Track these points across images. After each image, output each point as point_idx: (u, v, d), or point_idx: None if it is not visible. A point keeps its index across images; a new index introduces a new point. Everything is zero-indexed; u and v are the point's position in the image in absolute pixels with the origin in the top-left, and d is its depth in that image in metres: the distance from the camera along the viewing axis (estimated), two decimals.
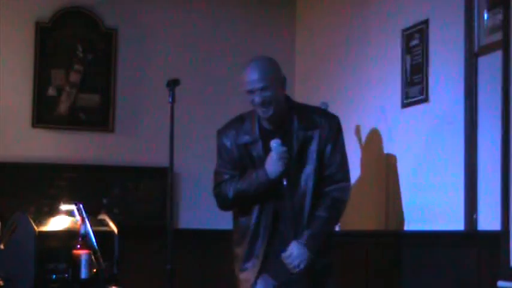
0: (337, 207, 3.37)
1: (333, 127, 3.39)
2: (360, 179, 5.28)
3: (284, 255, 3.28)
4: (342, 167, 3.40)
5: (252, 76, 3.28)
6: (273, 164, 3.26)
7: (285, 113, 3.34)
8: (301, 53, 6.34)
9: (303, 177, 3.33)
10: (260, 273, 3.33)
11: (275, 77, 3.31)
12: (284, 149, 3.26)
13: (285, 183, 3.28)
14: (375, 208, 5.15)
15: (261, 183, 3.29)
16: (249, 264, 3.35)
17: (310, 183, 3.32)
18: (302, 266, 3.26)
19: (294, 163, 3.31)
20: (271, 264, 3.34)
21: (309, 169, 3.33)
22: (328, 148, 3.36)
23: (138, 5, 6.17)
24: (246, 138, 3.37)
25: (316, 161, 3.33)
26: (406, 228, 4.87)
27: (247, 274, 3.35)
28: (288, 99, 3.41)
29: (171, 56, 6.11)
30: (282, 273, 3.31)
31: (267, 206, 3.34)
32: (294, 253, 3.26)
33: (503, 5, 4.00)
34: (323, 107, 4.81)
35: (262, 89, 3.26)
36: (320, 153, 3.34)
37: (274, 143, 3.26)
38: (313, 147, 3.34)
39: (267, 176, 3.27)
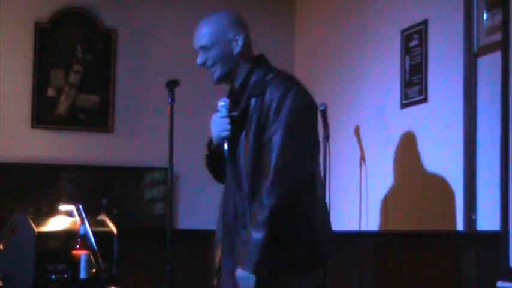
0: (261, 232, 2.74)
1: (282, 98, 2.80)
2: (360, 179, 5.28)
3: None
4: (276, 165, 2.75)
5: (195, 35, 3.03)
6: (215, 127, 2.91)
7: (242, 75, 2.95)
8: (300, 54, 6.34)
9: (241, 152, 2.87)
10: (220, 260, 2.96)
11: (220, 35, 2.97)
12: (225, 107, 2.89)
13: (225, 148, 2.87)
14: (375, 208, 5.14)
15: (207, 151, 2.96)
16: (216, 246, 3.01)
17: (247, 165, 2.83)
18: None
19: (236, 132, 2.88)
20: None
21: (248, 144, 2.84)
22: (270, 127, 2.80)
23: (137, 5, 6.17)
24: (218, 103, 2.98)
25: (254, 136, 2.83)
26: (405, 228, 4.86)
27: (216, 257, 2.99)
28: (259, 60, 3.00)
29: (170, 56, 6.10)
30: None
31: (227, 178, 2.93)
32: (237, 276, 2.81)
33: (502, 6, 4.00)
34: (321, 108, 4.81)
35: (202, 49, 3.00)
36: (258, 129, 2.82)
37: (221, 102, 2.93)
38: (253, 119, 2.85)
39: (211, 141, 2.93)
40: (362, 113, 5.35)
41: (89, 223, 3.33)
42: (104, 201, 5.87)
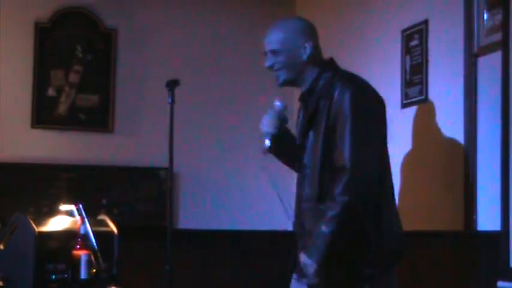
0: (333, 230, 2.83)
1: (346, 100, 2.90)
2: None
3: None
4: (352, 163, 2.81)
5: (265, 38, 3.09)
6: (265, 124, 3.08)
7: (311, 80, 3.06)
8: None
9: (309, 154, 2.98)
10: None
11: (290, 41, 3.06)
12: (278, 107, 3.06)
13: (266, 144, 3.04)
14: None
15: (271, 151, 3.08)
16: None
17: (317, 165, 2.93)
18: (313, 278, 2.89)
19: (301, 134, 3.04)
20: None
21: (318, 144, 2.94)
22: (339, 127, 2.88)
23: (137, 5, 6.18)
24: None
25: (323, 138, 2.92)
26: (406, 228, 4.86)
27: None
28: (327, 64, 3.13)
29: (170, 56, 6.11)
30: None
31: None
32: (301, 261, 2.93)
33: (502, 6, 4.00)
34: None
35: (271, 52, 3.06)
36: (328, 130, 2.91)
37: (277, 102, 3.11)
38: (321, 120, 2.95)
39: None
40: None
41: (89, 223, 3.32)
42: (104, 201, 5.87)
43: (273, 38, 3.08)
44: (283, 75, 3.07)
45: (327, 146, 2.90)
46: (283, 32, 3.09)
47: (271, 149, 3.08)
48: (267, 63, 3.09)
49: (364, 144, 2.87)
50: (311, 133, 2.98)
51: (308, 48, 3.09)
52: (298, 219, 3.06)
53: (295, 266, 3.07)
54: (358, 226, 2.86)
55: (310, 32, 3.17)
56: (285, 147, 3.14)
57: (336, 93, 2.93)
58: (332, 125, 2.89)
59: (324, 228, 2.82)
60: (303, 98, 3.11)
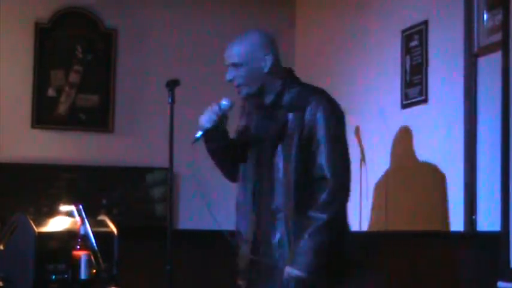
0: (318, 239, 2.99)
1: (321, 113, 3.06)
2: (360, 180, 5.28)
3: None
4: (333, 176, 3.00)
5: (226, 51, 3.19)
6: (204, 118, 3.17)
7: (274, 92, 3.15)
8: (300, 54, 6.34)
9: (280, 165, 3.09)
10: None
11: (250, 53, 3.13)
12: (224, 106, 3.12)
13: (197, 135, 3.17)
14: (375, 209, 5.14)
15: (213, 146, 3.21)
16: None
17: (291, 175, 3.05)
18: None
19: (267, 146, 3.13)
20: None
21: (290, 157, 3.07)
22: (315, 138, 3.04)
23: (137, 5, 6.17)
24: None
25: (297, 150, 3.05)
26: (406, 228, 4.86)
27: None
28: (288, 76, 3.21)
29: (170, 56, 6.11)
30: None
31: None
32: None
33: (502, 6, 4.00)
34: None
35: (232, 65, 3.15)
36: (301, 143, 3.05)
37: (224, 101, 3.16)
38: (294, 133, 3.06)
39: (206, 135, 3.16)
40: (362, 113, 5.35)
41: (89, 223, 3.33)
42: (104, 202, 5.87)
43: (234, 52, 3.16)
44: (245, 89, 3.16)
45: (301, 157, 3.04)
46: (244, 45, 3.16)
47: (197, 140, 3.21)
48: (228, 77, 3.17)
49: (341, 155, 3.07)
50: (280, 145, 3.08)
51: (268, 60, 3.15)
52: (257, 228, 3.15)
53: (250, 274, 3.17)
54: (340, 234, 3.08)
55: (270, 44, 3.21)
56: (219, 146, 3.24)
57: (310, 107, 3.06)
58: (307, 137, 3.04)
59: (309, 240, 2.97)
60: (266, 110, 3.17)
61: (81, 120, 5.96)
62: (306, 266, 2.96)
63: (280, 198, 3.08)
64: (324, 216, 2.97)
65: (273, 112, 3.14)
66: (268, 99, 3.16)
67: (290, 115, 3.08)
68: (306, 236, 2.98)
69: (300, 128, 3.05)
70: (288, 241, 3.06)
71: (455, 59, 4.43)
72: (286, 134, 3.07)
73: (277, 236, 3.08)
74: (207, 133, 3.18)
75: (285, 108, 3.11)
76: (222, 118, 3.16)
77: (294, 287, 2.99)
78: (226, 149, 3.24)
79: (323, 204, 2.98)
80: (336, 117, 3.12)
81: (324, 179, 3.00)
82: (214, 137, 3.20)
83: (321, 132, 3.03)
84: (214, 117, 3.14)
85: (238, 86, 3.16)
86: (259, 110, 3.21)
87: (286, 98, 3.12)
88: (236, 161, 3.28)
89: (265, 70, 3.13)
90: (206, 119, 3.16)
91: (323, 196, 2.99)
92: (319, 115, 3.05)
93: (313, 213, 2.99)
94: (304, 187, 3.04)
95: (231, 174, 3.34)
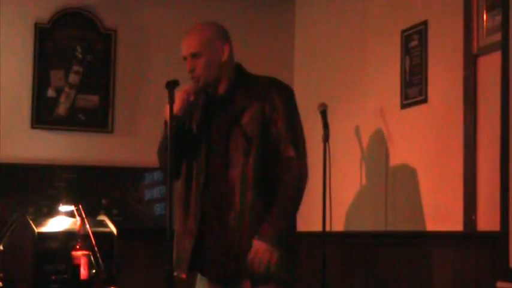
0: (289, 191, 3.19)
1: (281, 100, 3.22)
2: (360, 180, 5.28)
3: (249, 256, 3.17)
4: (296, 153, 3.22)
5: (184, 43, 3.25)
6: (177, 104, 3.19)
7: (228, 83, 3.27)
8: (300, 54, 6.34)
9: (235, 156, 3.18)
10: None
11: (209, 43, 3.23)
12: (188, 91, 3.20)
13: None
14: (375, 208, 5.15)
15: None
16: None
17: (257, 156, 3.17)
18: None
19: (215, 131, 3.22)
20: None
21: (244, 149, 3.18)
22: (277, 125, 3.20)
23: (137, 6, 6.17)
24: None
25: (259, 141, 3.19)
26: (406, 228, 4.86)
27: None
28: (238, 68, 3.34)
29: (170, 56, 6.10)
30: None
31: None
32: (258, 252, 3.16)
33: (502, 6, 4.00)
34: (321, 109, 4.82)
35: (191, 56, 3.22)
36: (264, 127, 3.19)
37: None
38: (252, 119, 3.19)
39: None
40: (362, 113, 5.35)
41: (89, 223, 3.33)
42: (103, 202, 5.86)
43: (192, 42, 3.22)
44: (203, 78, 3.23)
45: (259, 150, 3.16)
46: (202, 36, 3.23)
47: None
48: (188, 67, 3.23)
49: (301, 137, 3.28)
50: (235, 136, 3.17)
51: (226, 49, 3.26)
52: (213, 213, 3.21)
53: (202, 266, 3.32)
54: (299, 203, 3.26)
55: (226, 34, 3.32)
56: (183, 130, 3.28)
57: (270, 94, 3.20)
58: (268, 122, 3.18)
59: (289, 194, 3.15)
60: (220, 98, 3.26)
61: (81, 121, 5.96)
62: (277, 238, 3.11)
63: (236, 190, 3.16)
64: (294, 193, 3.16)
65: (227, 103, 3.24)
66: (222, 88, 3.27)
67: (249, 103, 3.20)
68: (277, 210, 3.13)
69: (261, 114, 3.18)
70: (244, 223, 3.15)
71: (455, 59, 4.43)
72: (241, 124, 3.19)
73: (240, 217, 3.17)
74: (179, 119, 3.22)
75: (242, 96, 3.22)
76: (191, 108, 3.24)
77: (266, 260, 3.10)
78: (183, 138, 3.29)
79: (294, 176, 3.17)
80: (294, 103, 3.29)
81: (292, 158, 3.18)
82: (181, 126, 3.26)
83: (284, 118, 3.19)
84: (187, 106, 3.23)
85: (197, 75, 3.22)
86: (213, 102, 3.28)
87: (244, 86, 3.25)
88: (185, 155, 3.31)
89: (223, 60, 3.25)
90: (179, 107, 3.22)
91: (292, 170, 3.17)
92: (281, 102, 3.21)
93: (283, 191, 3.15)
94: (262, 179, 3.17)
95: (178, 169, 3.34)
